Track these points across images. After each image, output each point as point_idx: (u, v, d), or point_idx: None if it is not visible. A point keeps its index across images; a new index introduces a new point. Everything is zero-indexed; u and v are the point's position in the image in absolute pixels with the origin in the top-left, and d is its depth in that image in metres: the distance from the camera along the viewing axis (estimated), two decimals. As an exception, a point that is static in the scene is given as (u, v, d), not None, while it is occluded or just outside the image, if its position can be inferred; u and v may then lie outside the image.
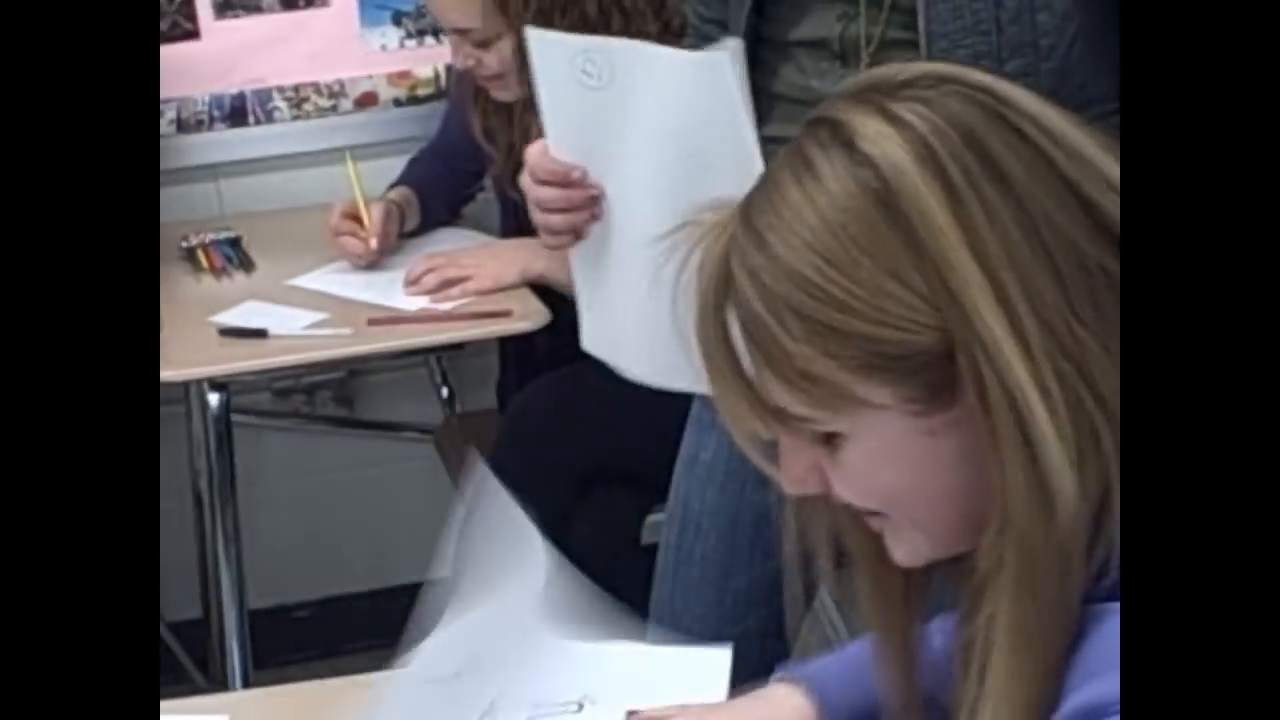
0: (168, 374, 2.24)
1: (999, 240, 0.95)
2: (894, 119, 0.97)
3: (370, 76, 2.81)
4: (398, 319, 2.33)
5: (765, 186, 1.01)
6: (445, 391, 2.90)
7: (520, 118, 2.37)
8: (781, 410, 1.00)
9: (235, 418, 2.83)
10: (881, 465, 1.00)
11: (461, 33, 2.36)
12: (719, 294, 1.00)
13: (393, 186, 2.63)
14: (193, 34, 2.73)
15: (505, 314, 2.31)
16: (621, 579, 2.39)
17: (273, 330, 2.30)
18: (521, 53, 2.29)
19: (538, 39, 1.61)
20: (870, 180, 0.96)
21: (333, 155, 2.82)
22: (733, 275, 0.99)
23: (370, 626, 3.00)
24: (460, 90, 2.54)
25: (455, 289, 2.41)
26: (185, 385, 2.75)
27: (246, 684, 2.46)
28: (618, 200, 1.60)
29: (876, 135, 0.96)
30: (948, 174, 0.95)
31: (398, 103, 2.82)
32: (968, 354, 0.94)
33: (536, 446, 2.34)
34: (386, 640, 1.51)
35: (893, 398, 0.97)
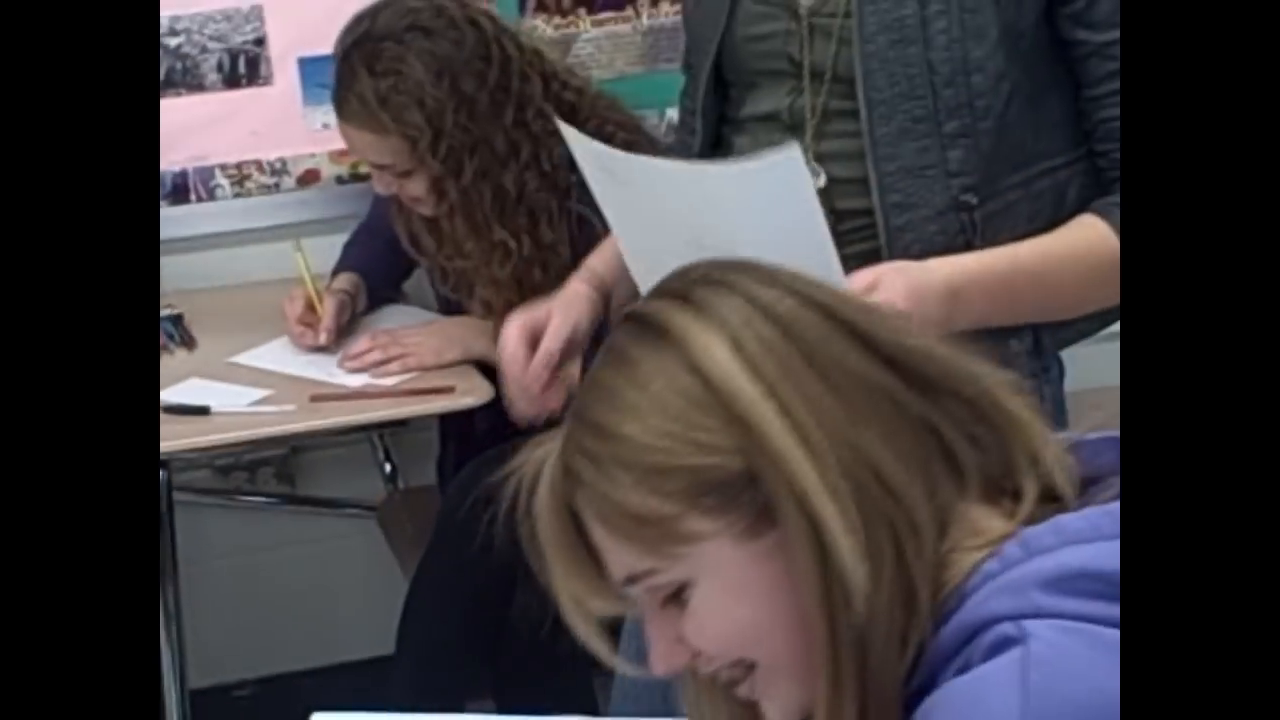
0: (109, 451, 2.24)
1: (790, 384, 1.05)
2: (704, 310, 1.07)
3: (313, 154, 2.82)
4: (341, 395, 2.34)
5: (593, 389, 1.09)
6: (388, 467, 2.90)
7: (443, 225, 2.43)
8: (628, 573, 1.08)
9: (176, 495, 2.83)
10: (731, 602, 1.06)
11: (380, 166, 2.40)
12: (559, 488, 1.09)
13: (337, 271, 2.64)
14: (135, 112, 2.74)
15: (448, 390, 2.32)
16: (565, 660, 2.40)
17: (216, 407, 2.30)
18: (438, 186, 2.34)
19: (568, 134, 1.65)
20: (689, 375, 1.05)
21: (275, 232, 2.84)
22: (569, 467, 1.08)
23: (312, 705, 2.98)
24: None
25: (396, 364, 2.42)
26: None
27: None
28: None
29: (693, 332, 1.06)
30: (753, 354, 1.05)
31: (340, 180, 2.83)
32: (765, 469, 1.03)
33: (475, 527, 2.33)
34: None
35: (720, 525, 1.05)
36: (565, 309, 1.77)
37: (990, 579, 1.01)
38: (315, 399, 2.32)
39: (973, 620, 1.01)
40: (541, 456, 1.11)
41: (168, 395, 2.35)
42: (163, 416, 2.28)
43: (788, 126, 1.65)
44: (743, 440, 1.03)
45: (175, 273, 2.82)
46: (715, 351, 1.04)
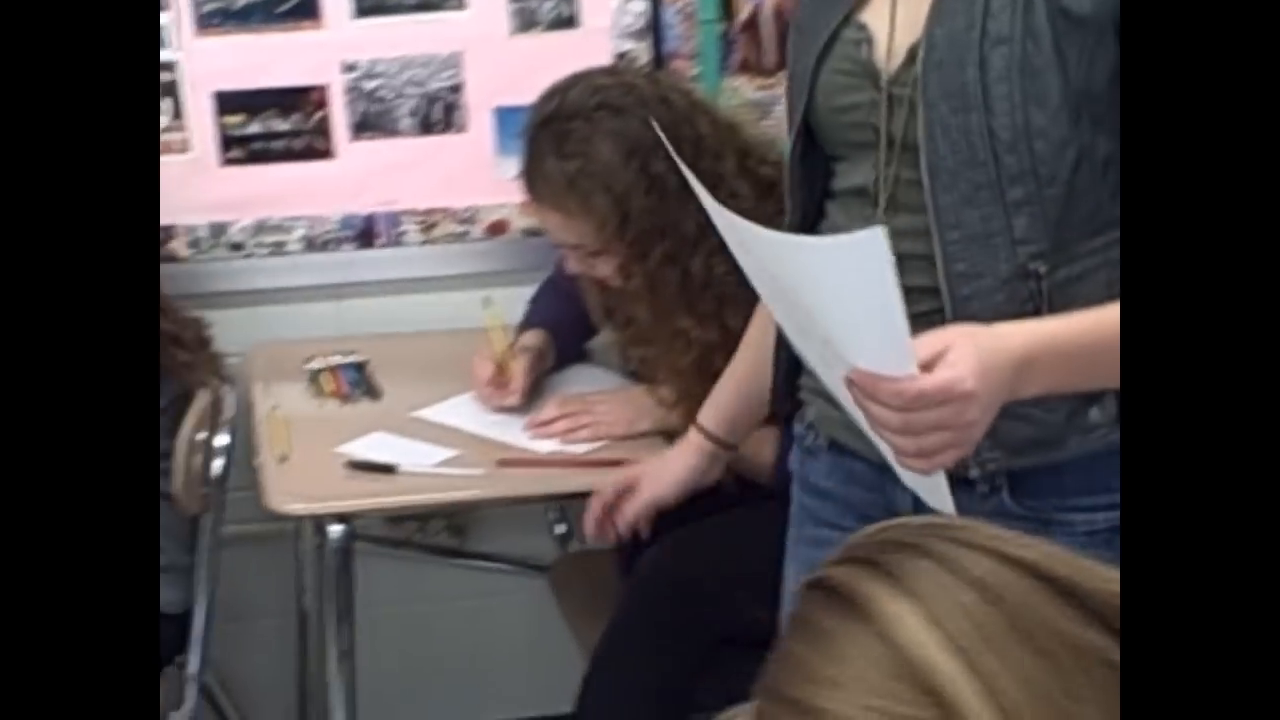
0: (295, 507, 2.20)
1: (993, 654, 0.95)
2: (895, 577, 0.97)
3: (503, 205, 2.76)
4: (530, 462, 2.27)
5: (785, 663, 0.99)
6: (561, 528, 2.83)
7: (629, 307, 2.36)
8: None
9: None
10: None
11: (570, 245, 2.34)
12: None
13: (524, 326, 2.58)
14: (326, 153, 2.70)
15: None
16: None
17: (403, 466, 2.24)
18: (624, 269, 2.27)
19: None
20: (883, 647, 0.96)
21: (460, 281, 2.79)
22: None
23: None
24: None
25: (586, 432, 2.35)
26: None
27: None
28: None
29: (884, 602, 0.96)
30: (949, 623, 0.95)
31: (528, 232, 2.77)
32: None
33: (664, 610, 2.26)
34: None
35: None
36: (654, 483, 2.14)
37: None
38: (503, 464, 2.26)
39: None
40: None
41: (352, 449, 2.31)
42: (347, 473, 2.24)
43: (871, 197, 1.63)
44: (942, 717, 0.94)
45: (357, 317, 2.79)
46: (909, 621, 0.96)
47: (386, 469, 2.23)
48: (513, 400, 2.43)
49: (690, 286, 2.25)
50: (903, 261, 1.56)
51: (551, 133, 2.24)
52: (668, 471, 2.14)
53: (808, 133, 1.69)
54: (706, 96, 2.35)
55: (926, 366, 1.38)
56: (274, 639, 2.88)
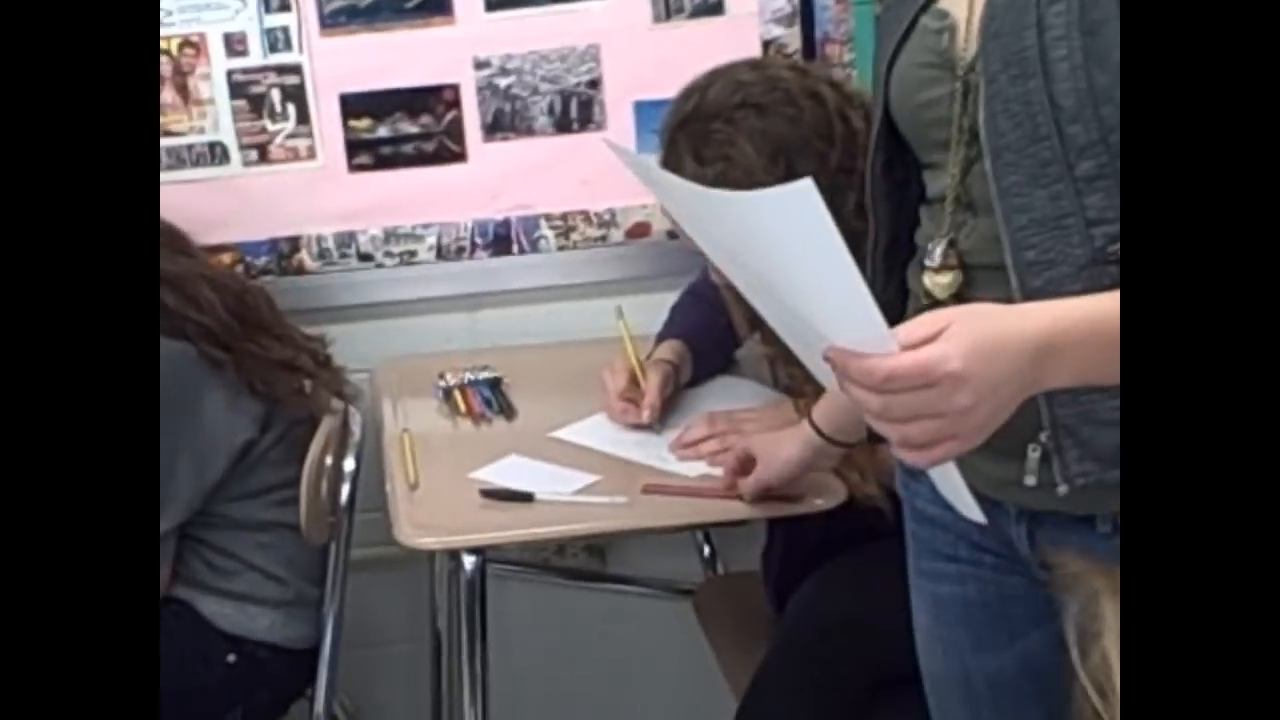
0: (426, 541, 2.05)
1: None
2: None
3: (644, 206, 2.60)
4: (678, 489, 2.09)
5: None
6: (707, 550, 2.66)
7: None
8: None
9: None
10: None
11: None
12: None
13: (662, 337, 2.41)
14: (458, 156, 2.55)
15: (798, 497, 2.06)
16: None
17: (540, 494, 2.08)
18: None
19: (616, 150, 1.50)
20: None
21: (599, 289, 2.63)
22: None
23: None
24: None
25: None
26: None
27: None
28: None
29: None
30: None
31: (671, 235, 2.60)
32: None
33: (819, 649, 2.09)
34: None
35: None
36: (765, 466, 2.02)
37: None
38: (648, 490, 2.09)
39: None
40: None
41: (487, 475, 2.15)
42: (482, 501, 2.09)
43: (949, 201, 1.48)
44: None
45: (491, 328, 2.64)
46: None
47: (523, 498, 2.08)
48: (645, 417, 2.26)
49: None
50: (979, 274, 1.43)
51: (690, 134, 2.07)
52: (777, 459, 2.03)
53: (891, 137, 1.53)
54: (860, 87, 2.15)
55: (918, 345, 1.21)
56: (406, 665, 2.76)
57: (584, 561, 2.73)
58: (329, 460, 2.24)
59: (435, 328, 2.62)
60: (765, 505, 2.06)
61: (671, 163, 2.08)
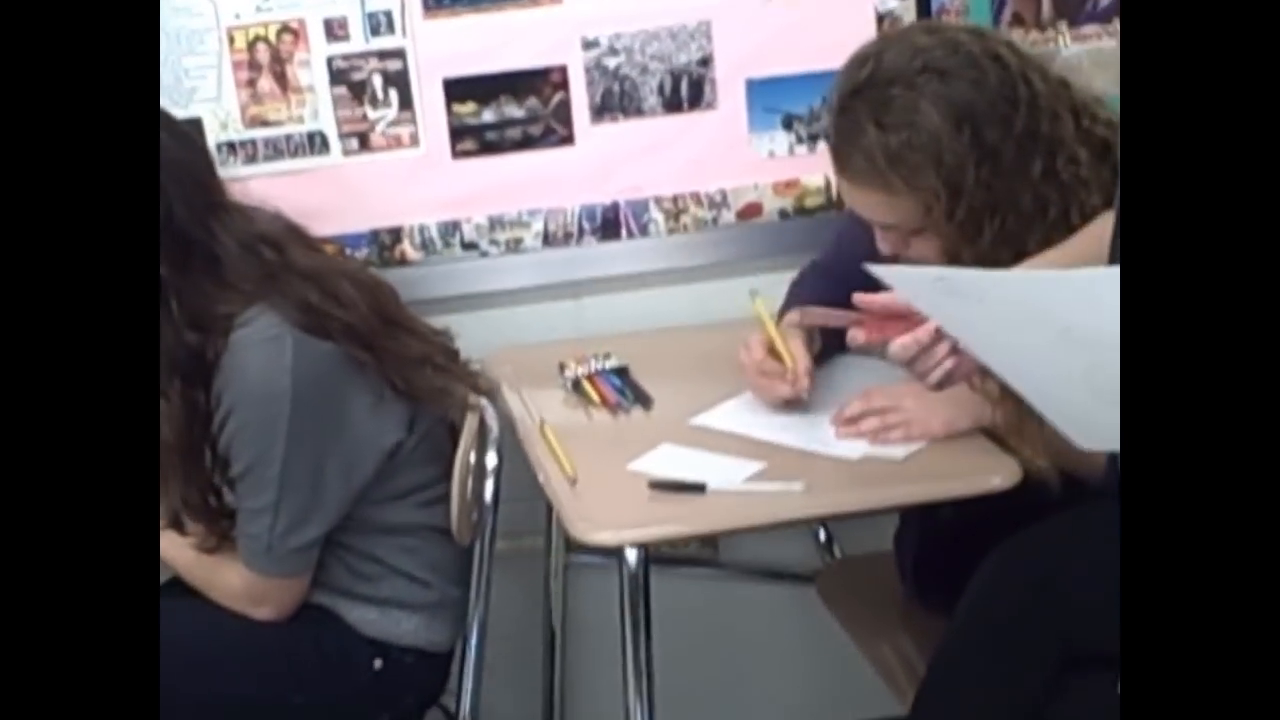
0: (604, 536, 1.98)
1: None
2: None
3: (755, 186, 2.54)
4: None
5: None
6: (823, 536, 2.61)
7: None
8: None
9: (580, 558, 2.59)
10: None
11: (887, 226, 2.11)
12: None
13: (786, 309, 2.35)
14: (566, 140, 2.48)
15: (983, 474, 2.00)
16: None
17: (711, 484, 2.02)
18: (951, 252, 2.05)
19: (887, 275, 1.53)
20: None
21: (709, 271, 2.57)
22: None
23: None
24: (856, 217, 2.26)
25: (899, 433, 2.13)
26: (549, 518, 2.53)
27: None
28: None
29: None
30: None
31: (783, 214, 2.55)
32: None
33: (1007, 623, 2.04)
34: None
35: None
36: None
37: None
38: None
39: None
40: None
41: (647, 466, 2.09)
42: (650, 494, 2.03)
43: None
44: None
45: (599, 315, 2.57)
46: None
47: (695, 488, 2.01)
48: (801, 387, 2.18)
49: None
50: None
51: (868, 102, 2.01)
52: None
53: None
54: (1035, 51, 2.10)
55: None
56: (512, 664, 2.68)
57: (697, 551, 2.66)
58: (472, 458, 2.16)
59: (541, 316, 2.55)
60: (948, 484, 2.01)
61: (848, 131, 2.03)
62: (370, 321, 2.06)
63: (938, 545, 2.30)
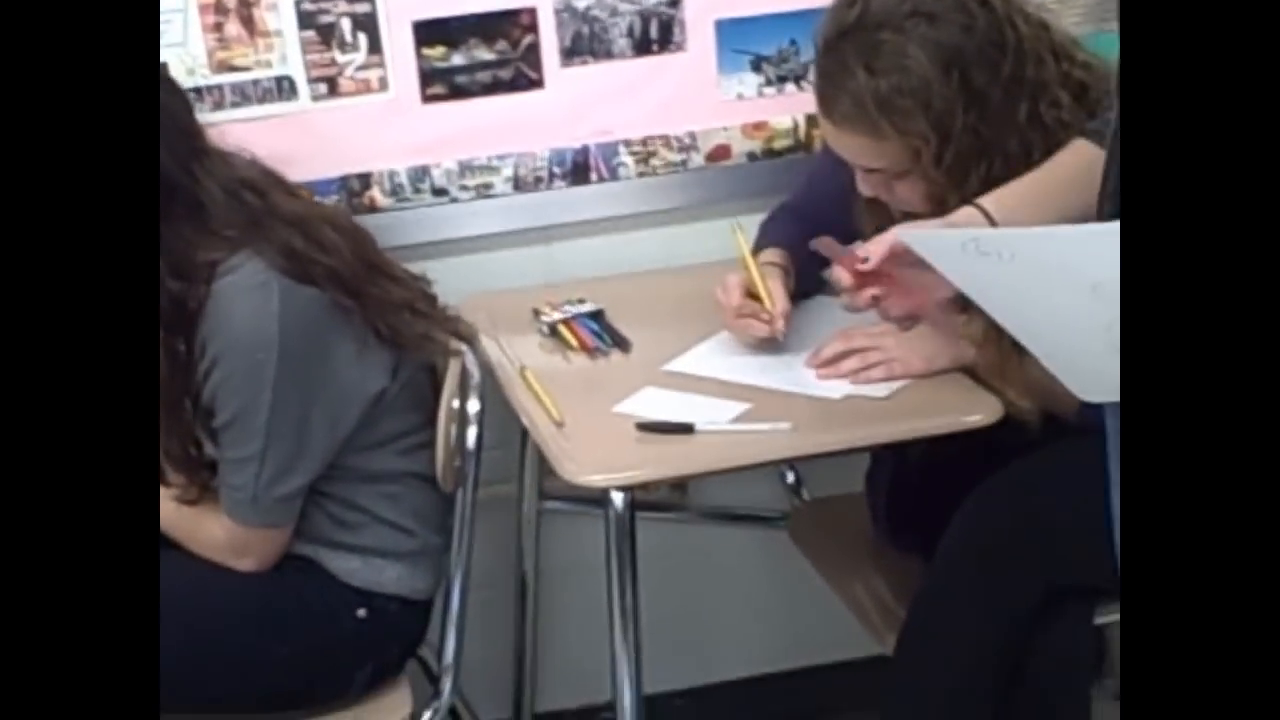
0: (596, 478, 1.99)
1: None
2: None
3: (724, 128, 2.53)
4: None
5: None
6: (791, 478, 2.62)
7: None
8: None
9: (552, 504, 2.58)
10: None
11: (871, 169, 2.11)
12: None
13: (758, 245, 2.35)
14: (536, 83, 2.46)
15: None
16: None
17: (699, 426, 2.02)
18: (936, 198, 2.06)
19: (915, 241, 1.53)
20: None
21: (678, 215, 2.57)
22: None
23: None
24: (828, 160, 2.26)
25: (880, 371, 2.14)
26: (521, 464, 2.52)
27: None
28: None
29: None
30: None
31: (752, 157, 2.54)
32: None
33: (990, 560, 2.06)
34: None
35: None
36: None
37: None
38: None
39: None
40: None
41: (633, 408, 2.09)
42: (638, 435, 2.03)
43: None
44: None
45: (570, 259, 2.56)
46: None
47: (683, 429, 2.02)
48: (778, 329, 2.19)
49: None
50: None
51: (857, 45, 2.00)
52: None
53: None
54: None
55: None
56: (482, 610, 2.67)
57: (667, 495, 2.67)
58: (455, 404, 2.15)
59: (512, 261, 2.53)
60: (932, 420, 2.02)
61: (836, 74, 2.02)
62: (354, 267, 2.05)
63: (910, 486, 2.32)
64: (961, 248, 1.47)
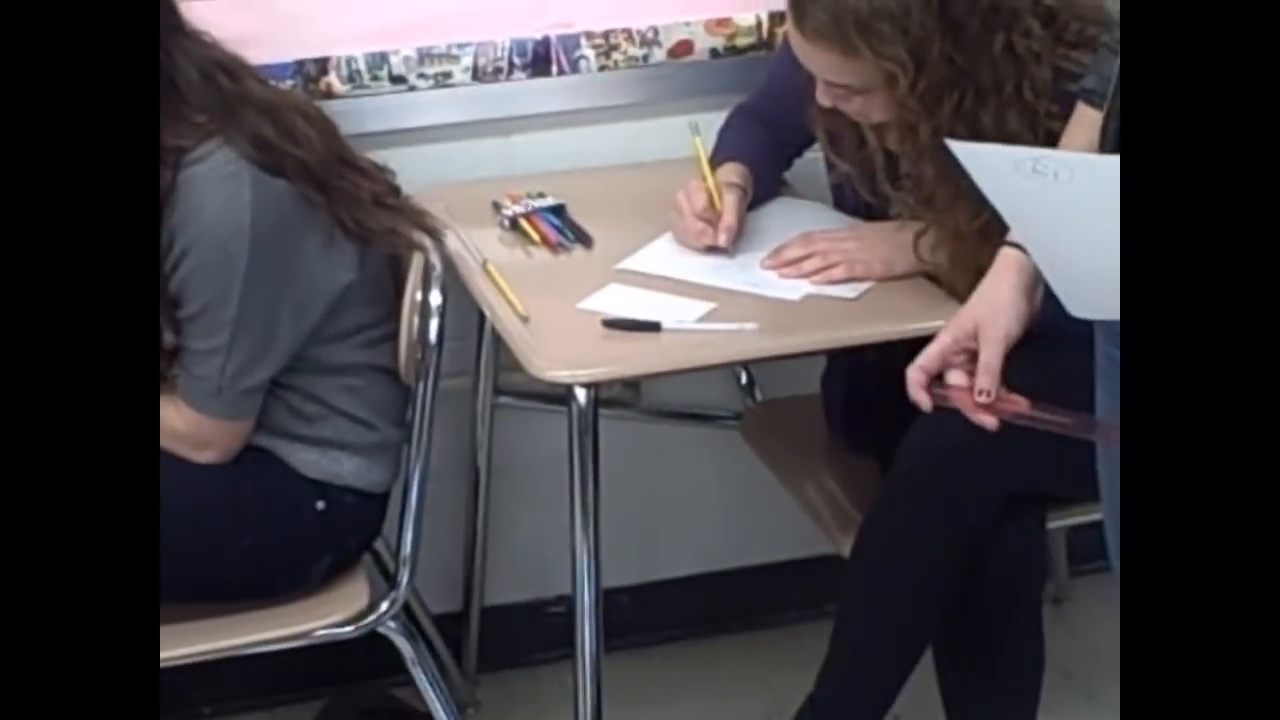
0: (563, 374, 1.98)
1: None
2: None
3: (687, 24, 2.50)
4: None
5: None
6: (744, 379, 2.63)
7: (907, 167, 2.15)
8: None
9: (505, 400, 2.57)
10: None
11: (835, 84, 2.10)
12: None
13: (719, 160, 2.34)
14: (502, -31, 2.42)
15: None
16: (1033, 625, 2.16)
17: (666, 324, 2.02)
18: (907, 126, 2.05)
19: (963, 152, 1.47)
20: None
21: (639, 110, 2.54)
22: None
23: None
24: (788, 58, 2.24)
25: (841, 271, 2.15)
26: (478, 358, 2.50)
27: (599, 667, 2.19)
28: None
29: None
30: None
31: (715, 54, 2.52)
32: None
33: (948, 467, 2.08)
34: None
35: None
36: (995, 323, 1.69)
37: None
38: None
39: None
40: None
41: (598, 305, 2.09)
42: (604, 332, 2.03)
43: None
44: None
45: (529, 153, 2.53)
46: None
47: (650, 327, 2.01)
48: (723, 240, 2.21)
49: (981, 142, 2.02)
50: None
51: None
52: (1001, 306, 1.69)
53: None
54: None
55: None
56: (435, 503, 2.67)
57: (620, 393, 2.66)
58: (418, 296, 2.13)
59: (470, 153, 2.50)
60: (901, 324, 2.03)
61: None
62: (324, 160, 2.01)
63: (866, 389, 2.33)
64: (1015, 166, 1.45)
